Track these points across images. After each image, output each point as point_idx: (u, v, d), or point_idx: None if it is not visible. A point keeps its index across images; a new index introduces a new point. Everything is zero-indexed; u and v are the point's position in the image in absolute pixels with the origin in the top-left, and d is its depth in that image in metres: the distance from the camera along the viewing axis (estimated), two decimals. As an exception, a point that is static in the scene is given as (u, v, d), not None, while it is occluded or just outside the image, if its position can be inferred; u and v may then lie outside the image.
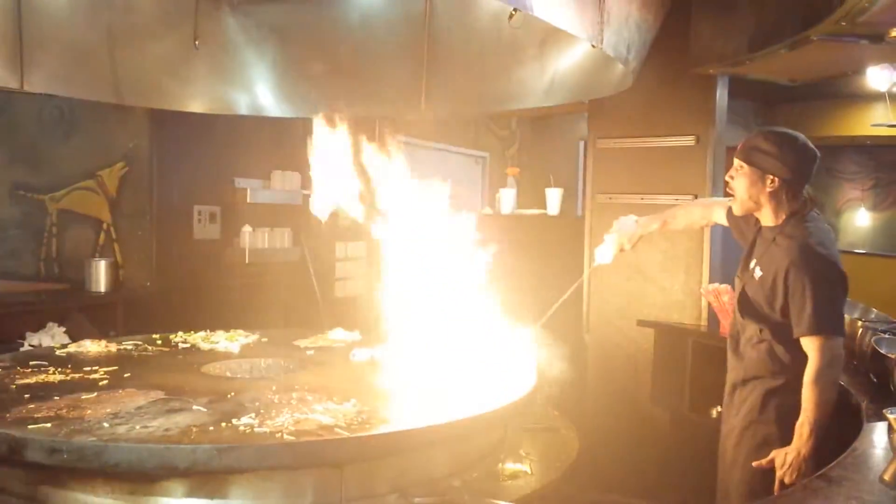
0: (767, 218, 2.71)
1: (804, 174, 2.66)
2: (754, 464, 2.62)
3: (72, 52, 3.59)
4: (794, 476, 2.47)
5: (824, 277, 2.53)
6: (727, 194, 2.83)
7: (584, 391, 4.86)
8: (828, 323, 2.51)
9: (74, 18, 3.51)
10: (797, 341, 2.57)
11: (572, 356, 4.77)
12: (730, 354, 2.89)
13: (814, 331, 2.49)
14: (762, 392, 2.67)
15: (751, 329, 2.73)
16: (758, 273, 2.68)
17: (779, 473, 2.52)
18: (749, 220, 2.84)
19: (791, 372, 2.59)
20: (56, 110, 5.22)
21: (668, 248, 4.54)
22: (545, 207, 5.29)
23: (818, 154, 2.67)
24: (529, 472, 2.33)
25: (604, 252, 3.14)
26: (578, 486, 2.54)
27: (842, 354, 2.55)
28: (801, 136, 2.67)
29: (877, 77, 4.48)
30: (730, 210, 2.93)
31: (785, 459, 2.51)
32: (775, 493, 2.51)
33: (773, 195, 2.65)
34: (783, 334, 2.61)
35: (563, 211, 5.26)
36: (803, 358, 2.53)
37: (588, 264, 4.75)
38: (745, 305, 2.73)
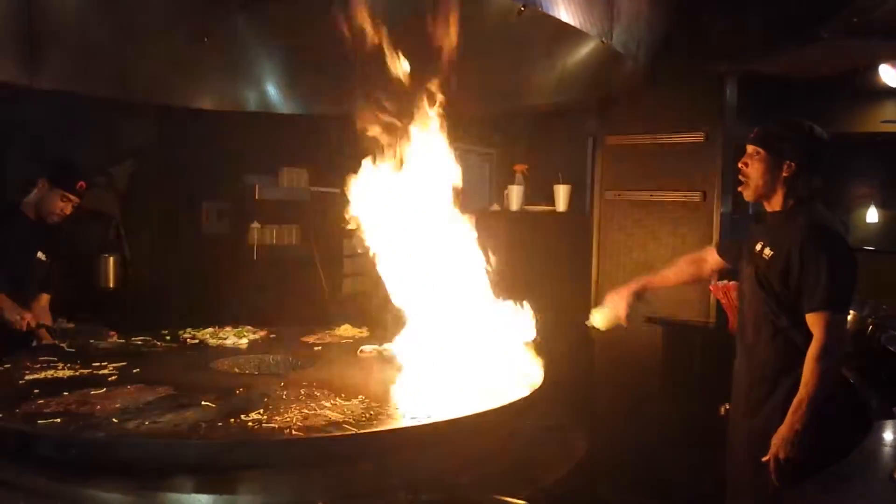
0: (776, 204, 2.73)
1: (819, 160, 2.71)
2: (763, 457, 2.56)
3: (81, 49, 3.60)
4: (786, 451, 2.48)
5: (838, 256, 2.55)
6: (738, 183, 2.82)
7: (592, 389, 4.85)
8: (839, 300, 2.52)
9: (84, 16, 3.52)
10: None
11: (580, 354, 4.79)
12: (740, 352, 2.85)
13: (826, 305, 2.49)
14: (787, 389, 2.59)
15: (764, 323, 2.68)
16: (768, 252, 2.67)
17: (772, 451, 2.51)
18: (740, 241, 2.91)
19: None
20: (66, 107, 5.23)
21: (677, 245, 4.52)
22: (553, 204, 5.28)
23: (830, 142, 2.73)
24: (536, 469, 2.33)
25: (601, 317, 3.15)
26: (586, 484, 2.54)
27: (847, 333, 2.58)
28: (815, 124, 2.72)
29: (888, 74, 4.45)
30: (719, 244, 3.19)
31: (781, 434, 2.51)
32: (770, 469, 2.50)
33: (788, 181, 2.68)
34: (798, 314, 2.58)
35: (572, 207, 5.25)
36: None
37: (595, 266, 4.81)
38: (758, 288, 2.69)
